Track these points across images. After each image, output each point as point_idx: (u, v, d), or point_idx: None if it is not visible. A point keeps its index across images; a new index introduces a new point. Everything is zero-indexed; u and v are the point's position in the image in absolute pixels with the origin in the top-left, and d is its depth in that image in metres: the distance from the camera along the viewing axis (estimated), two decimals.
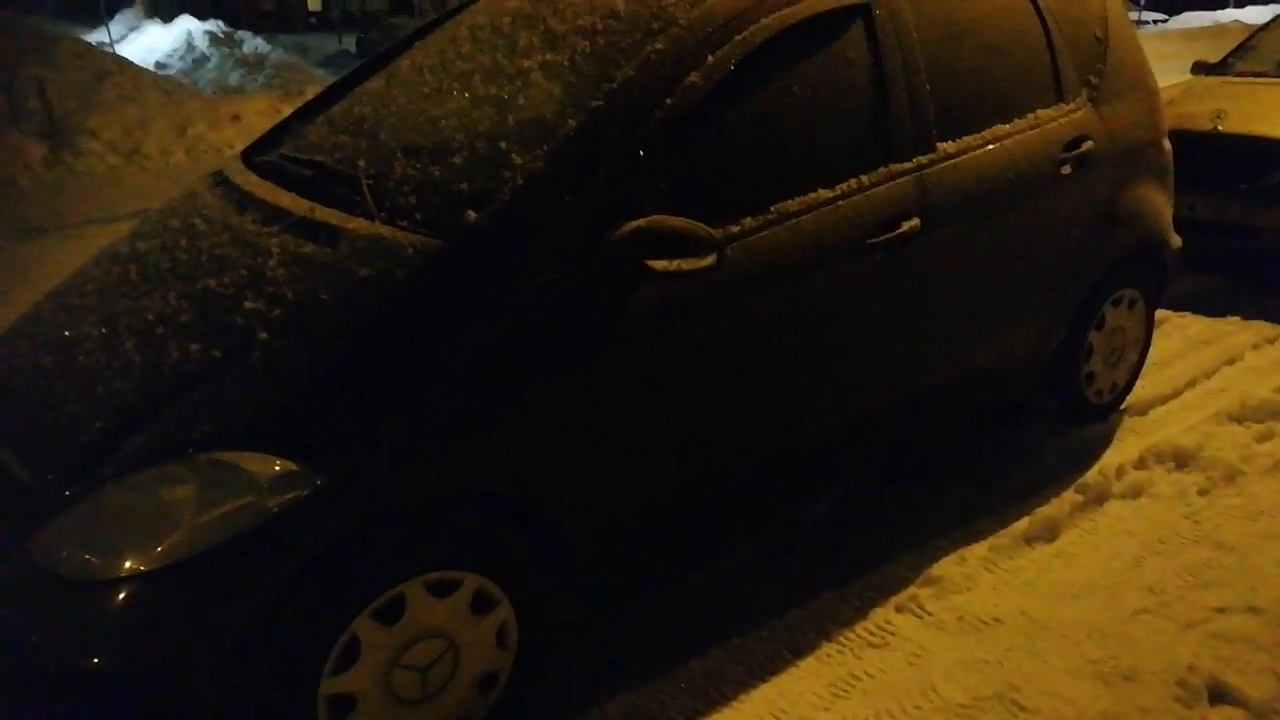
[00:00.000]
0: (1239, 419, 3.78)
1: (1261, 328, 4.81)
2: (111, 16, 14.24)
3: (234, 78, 11.92)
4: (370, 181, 2.47)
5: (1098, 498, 3.32)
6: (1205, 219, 5.09)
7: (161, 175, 7.99)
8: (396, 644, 2.09)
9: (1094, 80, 3.48)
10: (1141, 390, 4.06)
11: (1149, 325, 3.96)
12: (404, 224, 2.29)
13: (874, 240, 2.72)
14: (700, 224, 2.26)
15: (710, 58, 2.45)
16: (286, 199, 2.57)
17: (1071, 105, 3.38)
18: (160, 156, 8.48)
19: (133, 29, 13.80)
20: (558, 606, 2.41)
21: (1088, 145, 3.36)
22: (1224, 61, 6.25)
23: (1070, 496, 3.32)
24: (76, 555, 1.90)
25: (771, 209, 2.52)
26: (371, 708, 2.09)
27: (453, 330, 2.12)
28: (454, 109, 2.70)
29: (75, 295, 2.61)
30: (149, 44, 12.84)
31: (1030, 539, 3.10)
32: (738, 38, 2.50)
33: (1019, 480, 3.47)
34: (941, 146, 2.91)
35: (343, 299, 2.15)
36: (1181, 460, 3.50)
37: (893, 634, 2.70)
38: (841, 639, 2.69)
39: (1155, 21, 18.96)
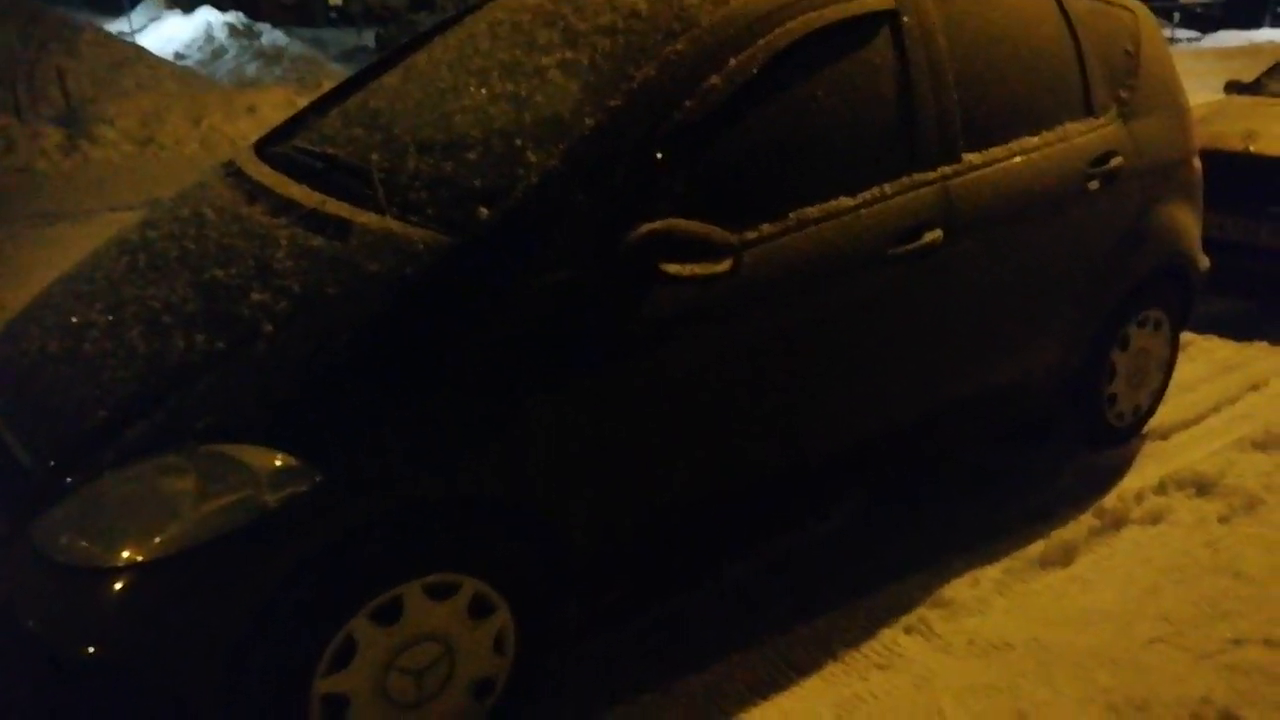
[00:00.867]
0: (1263, 446, 3.70)
1: None
2: (133, 6, 14.30)
3: (251, 70, 11.94)
4: (382, 175, 2.43)
5: (1115, 523, 3.25)
6: (1234, 240, 5.00)
7: (176, 164, 7.99)
8: (392, 646, 2.06)
9: (1124, 95, 3.41)
10: (1164, 414, 3.98)
11: (1174, 347, 3.88)
12: (415, 219, 2.26)
13: (895, 251, 2.65)
14: (717, 228, 2.21)
15: (732, 60, 2.40)
16: (297, 191, 2.54)
17: (1101, 120, 3.31)
18: (175, 146, 8.49)
19: (153, 19, 13.85)
20: (558, 615, 2.36)
21: (1116, 161, 3.29)
22: (1258, 81, 6.17)
23: (1087, 520, 3.26)
24: (75, 542, 1.89)
25: (791, 215, 2.46)
26: (365, 709, 2.06)
27: (461, 329, 2.09)
28: (470, 105, 2.66)
29: (84, 282, 2.61)
30: (169, 34, 12.88)
31: (1045, 563, 3.04)
32: (761, 41, 2.45)
33: (1035, 502, 3.40)
34: (967, 157, 2.84)
35: (350, 294, 2.13)
36: (1202, 487, 3.42)
37: (900, 656, 2.64)
38: (847, 659, 2.63)
39: (1189, 40, 18.82)
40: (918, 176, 2.72)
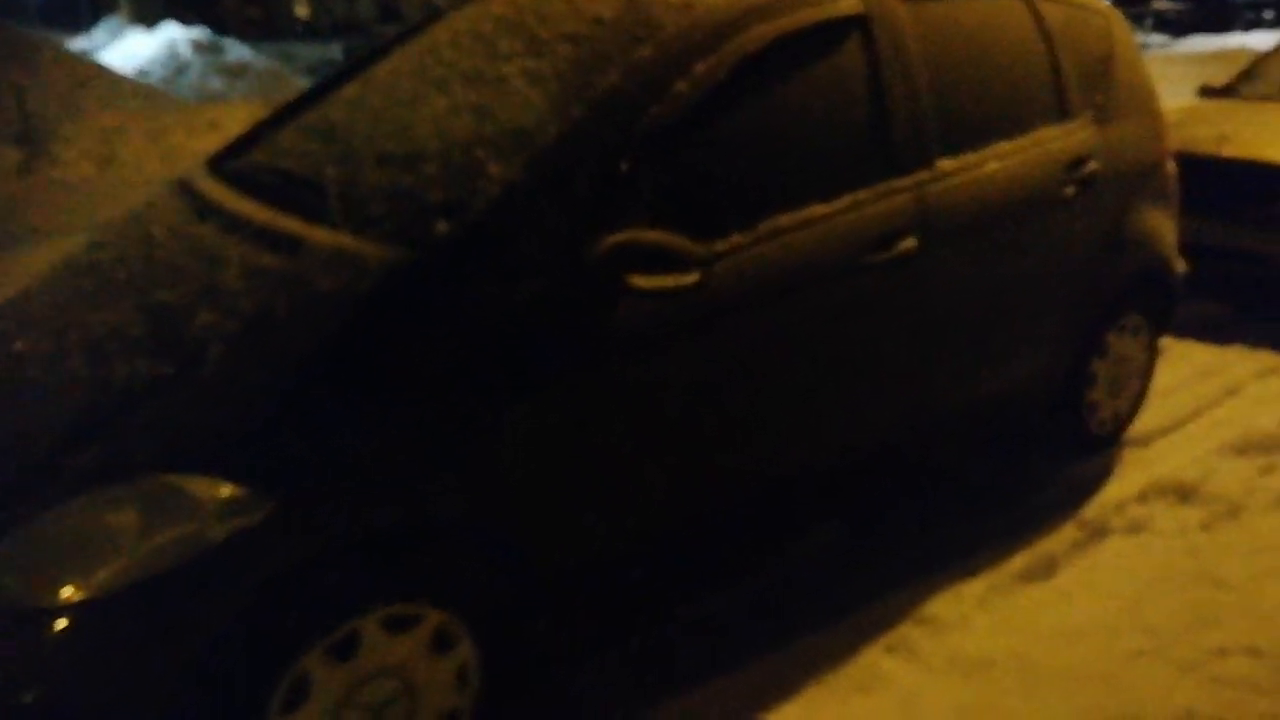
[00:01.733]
0: (1242, 451, 3.66)
1: (1265, 357, 4.68)
2: (96, 22, 14.12)
3: (216, 85, 11.79)
4: (338, 189, 2.35)
5: (1097, 533, 3.19)
6: (1209, 243, 4.97)
7: (136, 183, 7.84)
8: (349, 682, 1.97)
9: (1098, 99, 3.37)
10: (1144, 420, 3.93)
11: (1153, 353, 3.84)
12: (370, 234, 2.17)
13: (869, 260, 2.59)
14: (684, 239, 2.14)
15: (699, 66, 2.33)
16: (249, 206, 2.46)
17: (1076, 124, 3.26)
18: (135, 164, 8.34)
19: (116, 35, 13.67)
20: (527, 645, 2.27)
21: (1092, 166, 3.24)
22: (1230, 86, 6.18)
23: (1070, 531, 3.20)
24: (15, 581, 1.80)
25: (762, 225, 2.39)
26: None
27: (418, 349, 2.01)
28: (430, 115, 2.59)
29: (28, 307, 2.51)
30: (131, 50, 12.69)
31: (1027, 576, 2.97)
32: (728, 46, 2.38)
33: (1017, 513, 3.34)
34: (941, 164, 2.78)
35: (301, 313, 2.05)
36: (1183, 494, 3.37)
37: (882, 677, 2.56)
38: (828, 681, 2.54)
39: (1161, 45, 18.94)
40: (891, 184, 2.66)
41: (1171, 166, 3.73)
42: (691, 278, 2.15)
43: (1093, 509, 3.34)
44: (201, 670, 1.81)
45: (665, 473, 2.38)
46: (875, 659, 2.62)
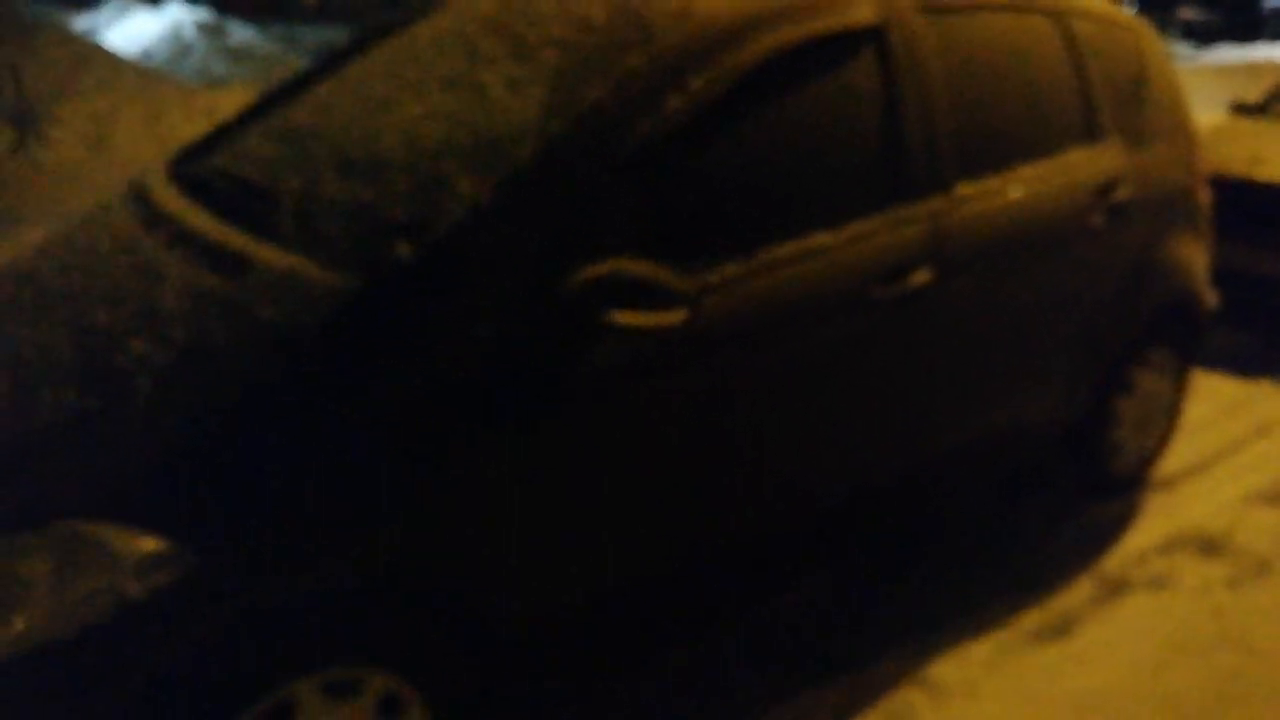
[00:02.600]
0: (1271, 500, 3.42)
1: None
2: (96, 2, 13.91)
3: (219, 68, 11.58)
4: (291, 201, 2.14)
5: (1117, 589, 2.96)
6: (1239, 269, 4.72)
7: (129, 168, 7.64)
8: None
9: (1129, 121, 3.12)
10: (1169, 460, 3.70)
11: (1181, 389, 3.59)
12: (320, 256, 1.96)
13: (880, 294, 2.36)
14: (670, 272, 1.91)
15: (694, 80, 2.09)
16: (198, 218, 2.24)
17: (1104, 146, 3.02)
18: (129, 148, 8.13)
19: (122, 14, 13.45)
20: (484, 708, 2.05)
21: (1122, 191, 3.00)
22: (1264, 104, 5.89)
23: (1087, 585, 2.98)
24: None
25: (761, 254, 2.16)
26: None
27: (368, 388, 1.79)
28: (400, 121, 2.37)
29: None
30: (136, 30, 12.49)
31: (1040, 637, 2.75)
32: (727, 58, 2.15)
33: (1029, 564, 3.10)
34: (960, 189, 2.54)
35: (240, 344, 1.85)
36: (1208, 547, 3.15)
37: None
38: None
39: (1187, 56, 18.52)
40: (905, 210, 2.42)
41: (1205, 193, 3.49)
42: (677, 315, 1.91)
43: (1112, 561, 3.12)
44: None
45: (641, 524, 2.15)
46: None
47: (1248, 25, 21.84)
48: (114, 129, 8.39)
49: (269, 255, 2.00)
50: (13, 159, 7.45)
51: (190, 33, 12.43)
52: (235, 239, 2.09)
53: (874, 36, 2.41)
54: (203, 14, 12.84)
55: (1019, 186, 2.70)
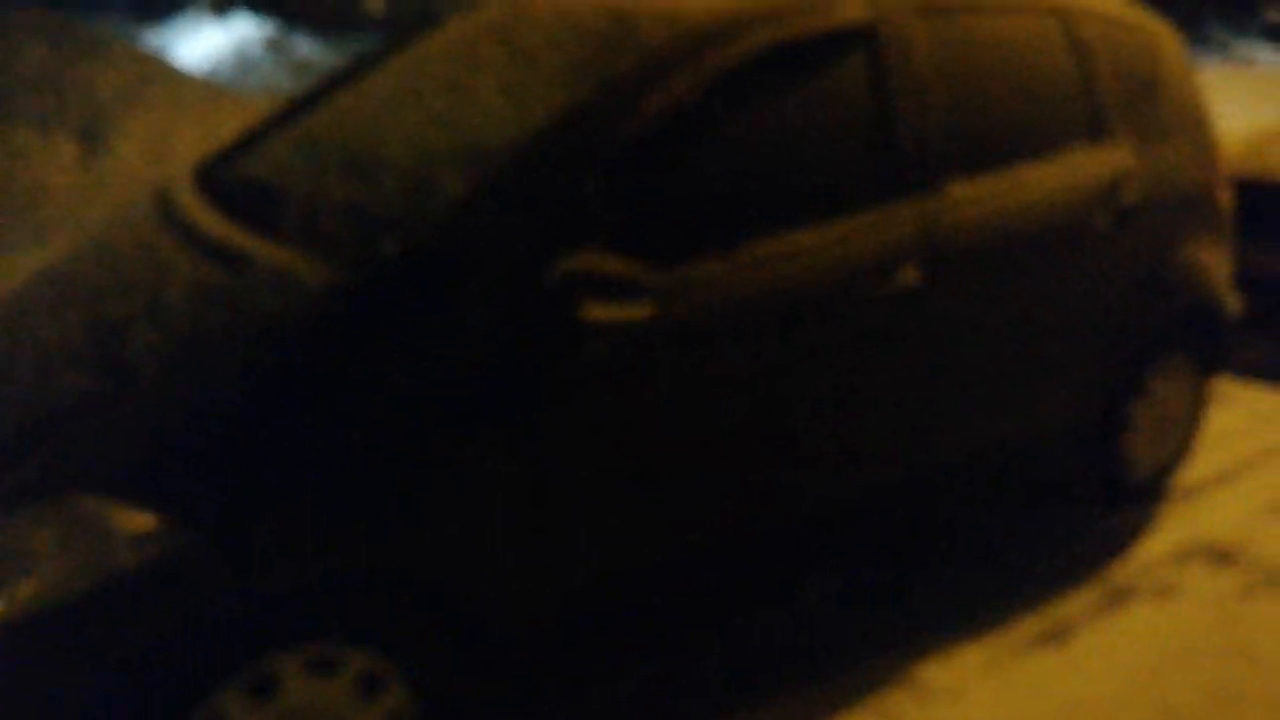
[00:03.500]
0: None
1: None
2: (171, 16, 14.37)
3: (284, 81, 11.93)
4: (294, 202, 2.24)
5: (1121, 595, 2.93)
6: None
7: None
8: None
9: (1140, 120, 3.09)
10: (1188, 470, 3.65)
11: (1200, 398, 3.53)
12: (316, 252, 2.06)
13: (865, 293, 2.38)
14: (638, 265, 1.98)
15: (677, 80, 2.15)
16: (209, 219, 2.36)
17: (1111, 147, 3.00)
18: (187, 161, 8.39)
19: (189, 30, 13.90)
20: (467, 695, 2.12)
21: (1129, 192, 2.98)
22: None
23: (1091, 593, 2.94)
24: None
25: (742, 251, 2.20)
26: None
27: (355, 380, 1.88)
28: (401, 126, 2.47)
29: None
30: (205, 46, 12.91)
31: (1037, 642, 2.73)
32: (710, 58, 2.20)
33: (1035, 571, 3.08)
34: (954, 188, 2.56)
35: (237, 336, 1.95)
36: (1221, 557, 3.10)
37: None
38: None
39: (1273, 61, 17.64)
40: (892, 209, 2.44)
41: (1225, 195, 3.43)
42: (644, 309, 1.97)
43: (1120, 568, 3.08)
44: (111, 703, 1.71)
45: (627, 520, 2.20)
46: None
47: None
48: (175, 141, 8.67)
49: (267, 252, 2.10)
50: (80, 173, 7.77)
51: (257, 49, 12.83)
52: (238, 237, 2.20)
53: (864, 36, 2.45)
54: (269, 28, 13.24)
55: (1016, 186, 2.70)
